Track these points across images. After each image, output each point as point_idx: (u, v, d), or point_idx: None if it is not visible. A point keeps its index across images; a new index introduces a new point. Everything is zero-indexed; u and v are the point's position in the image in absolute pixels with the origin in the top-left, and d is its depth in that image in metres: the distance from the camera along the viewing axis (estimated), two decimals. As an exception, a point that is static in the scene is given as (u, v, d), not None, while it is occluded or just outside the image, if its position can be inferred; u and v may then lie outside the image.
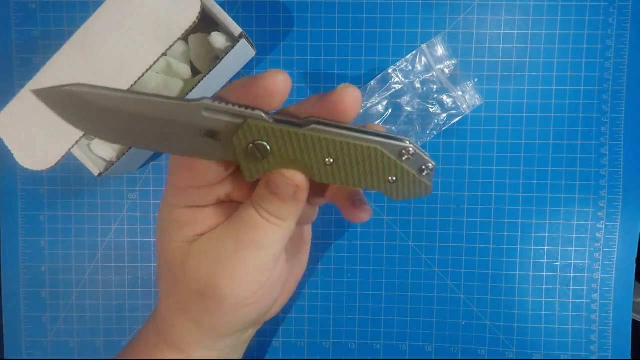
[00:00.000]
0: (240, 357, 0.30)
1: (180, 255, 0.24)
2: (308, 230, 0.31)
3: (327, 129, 0.21)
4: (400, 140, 0.22)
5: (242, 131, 0.20)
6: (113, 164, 0.35)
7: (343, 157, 0.21)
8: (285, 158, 0.21)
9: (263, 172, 0.22)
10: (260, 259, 0.23)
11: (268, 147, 0.21)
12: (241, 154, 0.21)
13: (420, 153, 0.22)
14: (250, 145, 0.20)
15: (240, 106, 0.20)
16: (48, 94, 0.19)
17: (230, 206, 0.25)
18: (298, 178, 0.22)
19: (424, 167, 0.22)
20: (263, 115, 0.20)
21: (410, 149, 0.21)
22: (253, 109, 0.20)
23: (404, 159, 0.22)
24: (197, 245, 0.24)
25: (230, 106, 0.20)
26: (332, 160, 0.21)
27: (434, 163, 0.22)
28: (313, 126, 0.20)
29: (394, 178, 0.22)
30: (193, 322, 0.25)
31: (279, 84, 0.20)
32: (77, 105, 0.19)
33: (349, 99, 0.20)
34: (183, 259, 0.24)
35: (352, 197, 0.26)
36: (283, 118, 0.21)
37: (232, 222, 0.24)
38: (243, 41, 0.34)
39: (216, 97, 0.20)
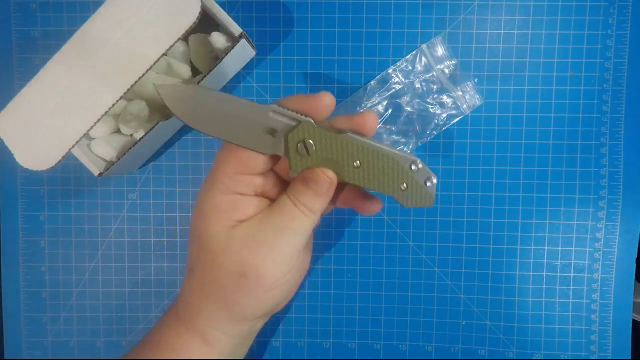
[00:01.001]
0: (245, 354, 0.32)
1: (222, 239, 0.27)
2: (311, 233, 0.33)
3: (358, 137, 0.27)
4: (410, 155, 0.28)
5: (297, 130, 0.26)
6: (113, 164, 0.35)
7: (368, 161, 0.27)
8: (324, 157, 0.27)
9: (306, 167, 0.27)
10: (294, 245, 0.27)
11: (313, 146, 0.26)
12: (292, 149, 0.26)
13: (427, 167, 0.28)
14: (300, 143, 0.26)
15: (297, 112, 0.26)
16: (164, 88, 0.26)
17: (264, 200, 0.29)
18: (332, 175, 0.27)
19: (427, 180, 0.28)
20: (312, 121, 0.26)
21: (418, 162, 0.27)
22: (305, 116, 0.26)
23: (412, 168, 0.27)
24: (240, 230, 0.27)
25: (290, 111, 0.26)
26: (359, 163, 0.27)
27: (436, 177, 0.28)
28: (349, 134, 0.27)
29: (405, 186, 0.28)
30: (225, 304, 0.27)
31: (332, 101, 0.27)
32: (184, 99, 0.26)
33: (371, 120, 0.27)
34: (225, 242, 0.27)
35: (362, 192, 0.30)
36: (326, 126, 0.27)
37: (272, 212, 0.27)
38: (243, 41, 0.34)
39: (277, 103, 0.27)
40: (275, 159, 0.28)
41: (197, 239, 0.28)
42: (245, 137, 0.26)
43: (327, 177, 0.27)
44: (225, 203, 0.27)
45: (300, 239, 0.27)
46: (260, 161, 0.27)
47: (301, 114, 0.26)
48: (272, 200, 0.29)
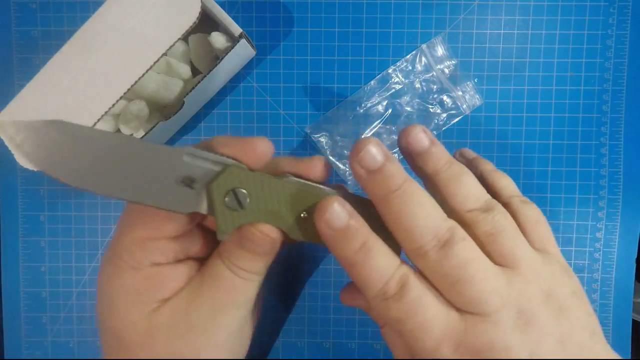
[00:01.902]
0: None
1: (141, 331, 0.21)
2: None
3: (303, 181, 0.21)
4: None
5: (223, 176, 0.20)
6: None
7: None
8: (262, 209, 0.21)
9: (239, 225, 0.21)
10: (239, 318, 0.22)
11: (247, 196, 0.20)
12: (218, 201, 0.20)
13: None
14: (229, 193, 0.20)
15: (222, 155, 0.20)
16: (18, 126, 0.18)
17: (191, 264, 0.23)
18: (274, 232, 0.21)
19: None
20: (243, 165, 0.20)
21: None
22: (234, 159, 0.20)
23: None
24: (164, 314, 0.21)
25: (212, 154, 0.20)
26: (306, 214, 0.21)
27: None
28: (290, 177, 0.21)
29: None
30: None
31: (268, 149, 0.21)
32: (48, 140, 0.18)
33: (320, 166, 0.22)
34: (147, 334, 0.21)
35: None
36: (261, 171, 0.21)
37: (204, 284, 0.22)
38: (243, 41, 0.34)
39: (194, 146, 0.20)
40: (197, 214, 0.21)
41: (108, 331, 0.22)
42: (151, 193, 0.19)
43: (269, 236, 0.21)
44: (138, 282, 0.21)
45: (247, 308, 0.23)
46: (178, 220, 0.21)
47: (228, 157, 0.20)
48: (201, 260, 0.23)
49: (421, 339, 0.20)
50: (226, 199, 0.20)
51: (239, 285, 0.22)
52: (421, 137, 0.22)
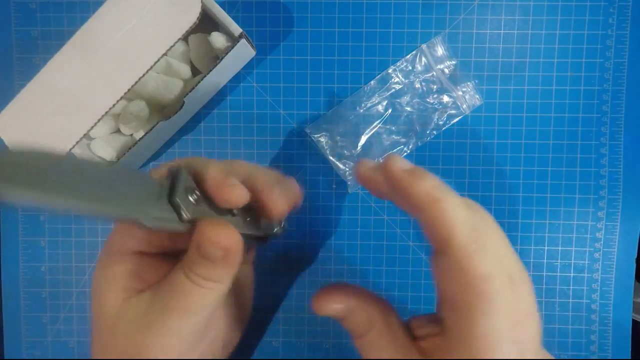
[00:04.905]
0: None
1: (111, 317, 0.22)
2: (248, 272, 0.30)
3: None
4: None
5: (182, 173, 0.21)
6: (113, 164, 0.35)
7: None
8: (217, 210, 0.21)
9: (199, 215, 0.21)
10: (191, 325, 0.22)
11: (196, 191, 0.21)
12: (180, 189, 0.20)
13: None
14: (189, 188, 0.21)
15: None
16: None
17: (170, 264, 0.23)
18: (227, 241, 0.21)
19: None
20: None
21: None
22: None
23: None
24: (128, 308, 0.22)
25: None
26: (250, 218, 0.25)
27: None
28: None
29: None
30: None
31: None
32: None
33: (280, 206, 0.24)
34: (114, 322, 0.22)
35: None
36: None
37: (161, 286, 0.22)
38: (243, 41, 0.34)
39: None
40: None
41: (92, 311, 0.23)
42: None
43: (220, 245, 0.20)
44: (121, 269, 0.22)
45: (201, 317, 0.22)
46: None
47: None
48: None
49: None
50: (190, 197, 0.20)
51: (190, 291, 0.21)
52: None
